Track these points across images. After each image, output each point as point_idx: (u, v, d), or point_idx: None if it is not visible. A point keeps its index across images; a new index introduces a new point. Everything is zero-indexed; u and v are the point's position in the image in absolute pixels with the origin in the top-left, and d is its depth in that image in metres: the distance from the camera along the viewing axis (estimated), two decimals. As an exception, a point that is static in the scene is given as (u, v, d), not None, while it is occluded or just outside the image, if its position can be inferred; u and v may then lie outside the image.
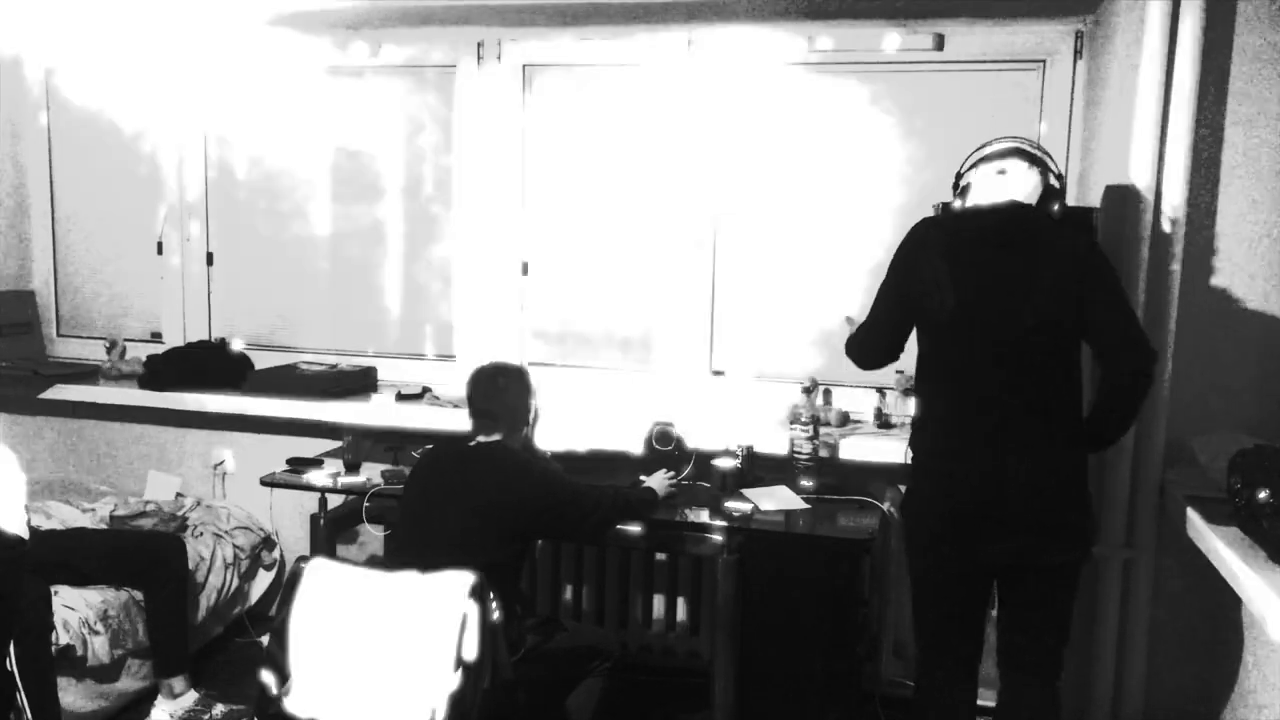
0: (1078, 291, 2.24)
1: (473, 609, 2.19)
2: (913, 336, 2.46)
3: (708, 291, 3.58)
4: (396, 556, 2.56)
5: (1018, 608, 2.42)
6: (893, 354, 2.50)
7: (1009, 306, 2.25)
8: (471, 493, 2.50)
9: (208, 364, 3.82)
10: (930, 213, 2.78)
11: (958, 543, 2.33)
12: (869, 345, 2.52)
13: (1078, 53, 3.19)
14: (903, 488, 3.16)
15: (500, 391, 2.66)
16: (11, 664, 2.66)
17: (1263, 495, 2.11)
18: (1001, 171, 2.33)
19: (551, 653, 2.64)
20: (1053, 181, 2.34)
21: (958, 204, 2.40)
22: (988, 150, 2.40)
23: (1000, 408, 2.28)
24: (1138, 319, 2.32)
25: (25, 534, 2.86)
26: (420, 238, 3.88)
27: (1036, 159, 2.34)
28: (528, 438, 2.73)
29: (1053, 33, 3.21)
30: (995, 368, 2.27)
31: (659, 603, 3.49)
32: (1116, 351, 2.27)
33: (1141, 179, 2.75)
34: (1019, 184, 2.30)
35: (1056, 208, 2.33)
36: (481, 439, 2.63)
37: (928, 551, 2.42)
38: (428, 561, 2.35)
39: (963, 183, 2.40)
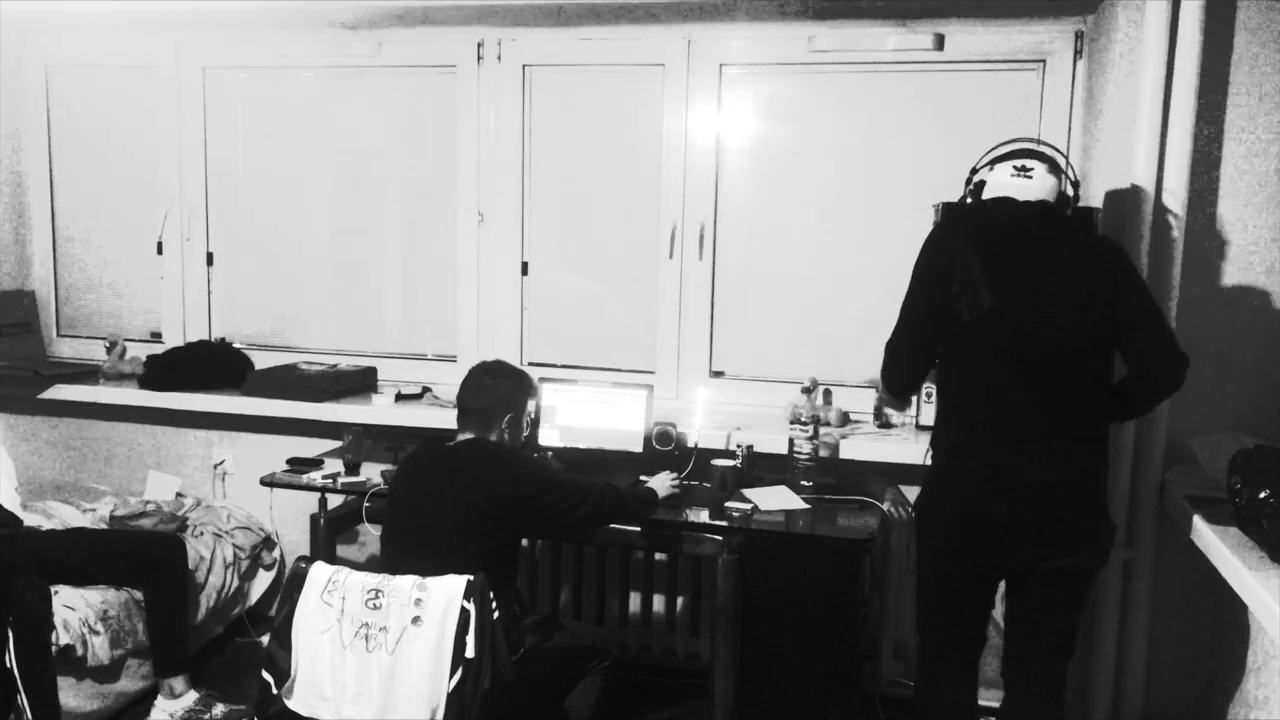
0: (1111, 295, 2.22)
1: (472, 608, 2.19)
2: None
3: (707, 291, 3.58)
4: (390, 557, 2.56)
5: (1023, 611, 2.41)
6: (929, 361, 2.43)
7: (1040, 306, 2.24)
8: (453, 489, 2.50)
9: (208, 364, 3.82)
10: (931, 213, 2.79)
11: (970, 542, 2.33)
12: (907, 360, 2.44)
13: (1078, 52, 3.20)
14: (903, 488, 3.18)
15: (481, 389, 2.65)
16: (11, 663, 2.66)
17: (1263, 495, 2.11)
18: (1022, 169, 2.29)
19: (551, 652, 2.64)
20: (1067, 187, 2.33)
21: (970, 200, 2.38)
22: (1006, 149, 2.37)
23: (1022, 409, 2.27)
24: (1170, 324, 2.32)
25: (18, 513, 2.87)
26: (421, 238, 3.88)
27: (1054, 162, 2.33)
28: (516, 435, 2.71)
29: (1052, 33, 3.21)
30: (1020, 368, 2.26)
31: (659, 603, 3.49)
32: (1150, 354, 2.26)
33: (1142, 178, 2.75)
34: (1039, 184, 2.28)
35: (1070, 212, 2.32)
36: (460, 436, 2.64)
37: (939, 549, 2.41)
38: (420, 560, 2.35)
39: (977, 179, 2.39)
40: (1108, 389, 2.32)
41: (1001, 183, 2.31)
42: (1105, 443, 2.35)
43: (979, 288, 2.25)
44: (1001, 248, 2.28)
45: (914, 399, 3.14)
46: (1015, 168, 2.30)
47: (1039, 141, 2.41)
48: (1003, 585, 2.46)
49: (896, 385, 2.52)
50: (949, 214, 2.63)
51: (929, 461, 2.45)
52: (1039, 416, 2.26)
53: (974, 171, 2.42)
